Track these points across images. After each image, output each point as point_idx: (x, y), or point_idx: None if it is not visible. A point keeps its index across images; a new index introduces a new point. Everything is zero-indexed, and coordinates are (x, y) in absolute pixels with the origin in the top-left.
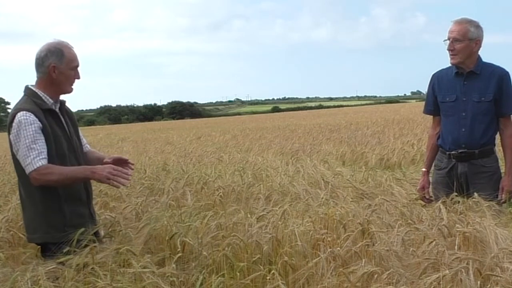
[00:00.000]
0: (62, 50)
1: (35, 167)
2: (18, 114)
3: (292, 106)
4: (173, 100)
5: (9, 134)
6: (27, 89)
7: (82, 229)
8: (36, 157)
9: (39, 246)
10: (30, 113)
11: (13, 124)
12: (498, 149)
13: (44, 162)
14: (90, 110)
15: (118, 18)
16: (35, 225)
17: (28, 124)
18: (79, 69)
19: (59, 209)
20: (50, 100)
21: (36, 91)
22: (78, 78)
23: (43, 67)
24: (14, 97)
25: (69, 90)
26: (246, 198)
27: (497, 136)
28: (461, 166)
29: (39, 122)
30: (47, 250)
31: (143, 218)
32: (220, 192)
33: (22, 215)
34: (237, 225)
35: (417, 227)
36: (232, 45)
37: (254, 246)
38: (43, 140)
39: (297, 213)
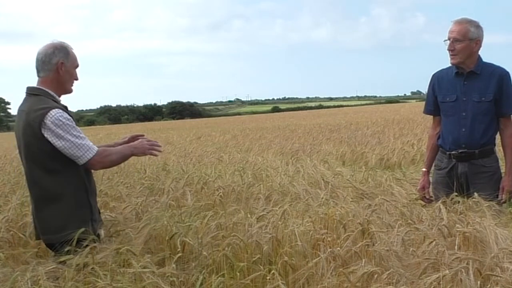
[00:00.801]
0: (67, 49)
1: (95, 152)
2: (52, 111)
3: (292, 106)
4: (173, 100)
5: (41, 132)
6: (37, 89)
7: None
8: (90, 143)
9: (43, 245)
10: (61, 110)
11: (46, 122)
12: (498, 149)
13: (97, 147)
14: (90, 110)
15: (118, 18)
16: (62, 223)
17: (65, 119)
18: (77, 70)
19: (88, 203)
20: (58, 98)
21: (48, 90)
22: (77, 79)
23: (50, 65)
24: (14, 97)
25: (70, 90)
26: (246, 198)
27: (497, 136)
28: (461, 166)
29: (70, 117)
30: (63, 247)
31: (143, 218)
32: (220, 192)
33: (37, 215)
34: (237, 225)
35: (417, 227)
36: (232, 45)
37: (254, 246)
38: None
39: (297, 213)
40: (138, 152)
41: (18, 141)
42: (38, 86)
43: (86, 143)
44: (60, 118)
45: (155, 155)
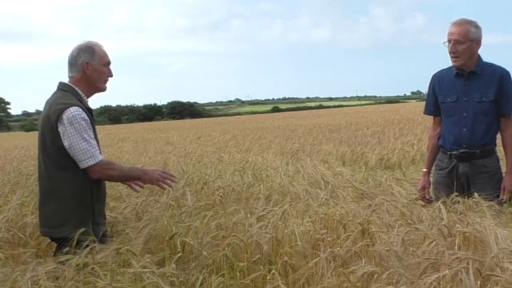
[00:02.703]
0: (93, 47)
1: (98, 161)
2: (71, 108)
3: (292, 106)
4: (173, 100)
5: (56, 127)
6: (66, 86)
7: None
8: (96, 151)
9: (42, 244)
10: (81, 109)
11: (63, 117)
12: (499, 149)
13: (102, 156)
14: None
15: (117, 18)
16: (61, 219)
17: (82, 119)
18: (111, 67)
19: (91, 206)
20: (86, 98)
21: (76, 88)
22: (111, 75)
23: (76, 66)
24: (14, 97)
25: (103, 88)
26: (246, 198)
27: (498, 136)
28: (462, 166)
29: (88, 119)
30: (64, 246)
31: (143, 218)
32: (220, 192)
33: (40, 208)
34: (237, 225)
35: (417, 227)
36: (232, 45)
37: (254, 246)
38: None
39: (297, 213)
40: (146, 178)
41: (39, 131)
42: (68, 83)
43: (91, 150)
44: (77, 117)
45: (164, 188)
